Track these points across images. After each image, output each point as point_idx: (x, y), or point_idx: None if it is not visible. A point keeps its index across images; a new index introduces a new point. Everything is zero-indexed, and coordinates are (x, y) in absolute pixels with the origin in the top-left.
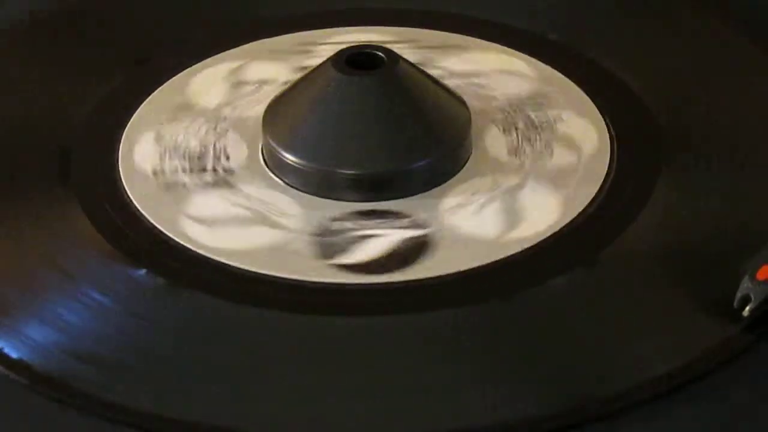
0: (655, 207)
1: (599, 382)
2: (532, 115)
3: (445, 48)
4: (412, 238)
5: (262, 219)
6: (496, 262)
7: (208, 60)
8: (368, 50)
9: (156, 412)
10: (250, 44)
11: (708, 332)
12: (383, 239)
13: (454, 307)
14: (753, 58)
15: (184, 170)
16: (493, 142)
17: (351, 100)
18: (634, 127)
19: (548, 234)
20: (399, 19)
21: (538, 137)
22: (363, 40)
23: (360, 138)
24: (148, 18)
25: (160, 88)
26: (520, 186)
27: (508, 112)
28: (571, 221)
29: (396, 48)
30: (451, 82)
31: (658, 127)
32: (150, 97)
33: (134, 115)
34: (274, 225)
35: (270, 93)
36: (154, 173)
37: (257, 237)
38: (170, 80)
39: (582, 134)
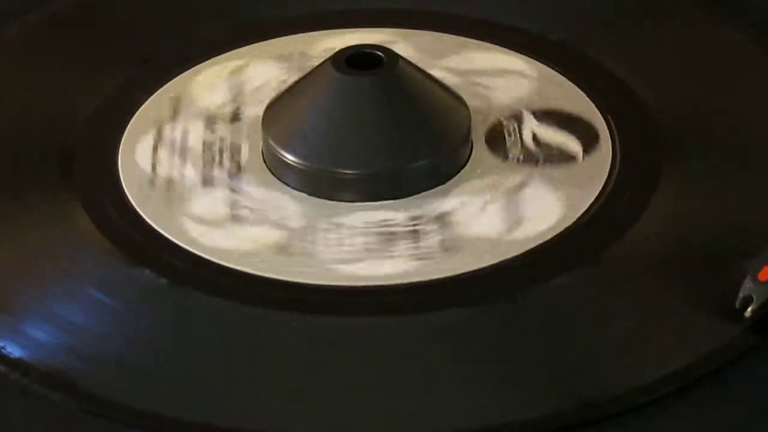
0: (656, 207)
1: (600, 382)
2: (532, 115)
3: (442, 47)
4: (415, 238)
5: (263, 219)
6: (498, 263)
7: (208, 61)
8: (368, 50)
9: (157, 412)
10: (250, 46)
11: (710, 333)
12: (387, 240)
13: (454, 308)
14: (753, 57)
15: (184, 171)
16: (493, 141)
17: (351, 100)
18: (635, 128)
19: (549, 235)
20: (396, 19)
21: (537, 137)
22: (361, 40)
23: (360, 138)
24: (149, 18)
25: (162, 88)
26: (520, 186)
27: (509, 112)
28: (572, 222)
29: (394, 48)
30: (448, 82)
31: (659, 127)
32: (151, 97)
33: (135, 115)
34: (275, 225)
35: (269, 94)
36: (155, 173)
37: (260, 237)
38: (172, 80)
39: (583, 135)
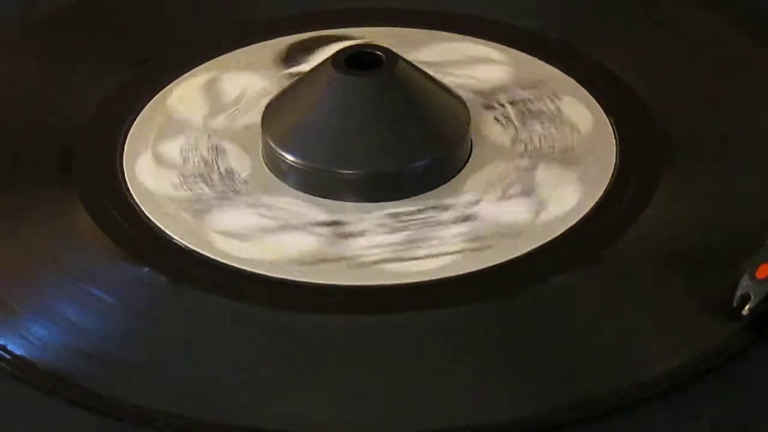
0: (655, 207)
1: (599, 381)
2: (528, 115)
3: (416, 42)
4: (440, 234)
5: (284, 226)
6: (498, 262)
7: (196, 68)
8: (368, 50)
9: (159, 409)
10: (224, 56)
11: (708, 332)
12: (415, 238)
13: (454, 307)
14: (753, 57)
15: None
16: (492, 135)
17: (351, 100)
18: (635, 127)
19: (548, 235)
20: (370, 18)
21: (535, 135)
22: (330, 42)
23: (359, 137)
24: (148, 19)
25: (162, 90)
26: (529, 173)
27: (498, 103)
28: (572, 222)
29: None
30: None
31: (659, 127)
32: (154, 97)
33: (135, 116)
34: (301, 230)
35: (252, 102)
36: (157, 174)
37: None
38: (170, 85)
39: (583, 134)
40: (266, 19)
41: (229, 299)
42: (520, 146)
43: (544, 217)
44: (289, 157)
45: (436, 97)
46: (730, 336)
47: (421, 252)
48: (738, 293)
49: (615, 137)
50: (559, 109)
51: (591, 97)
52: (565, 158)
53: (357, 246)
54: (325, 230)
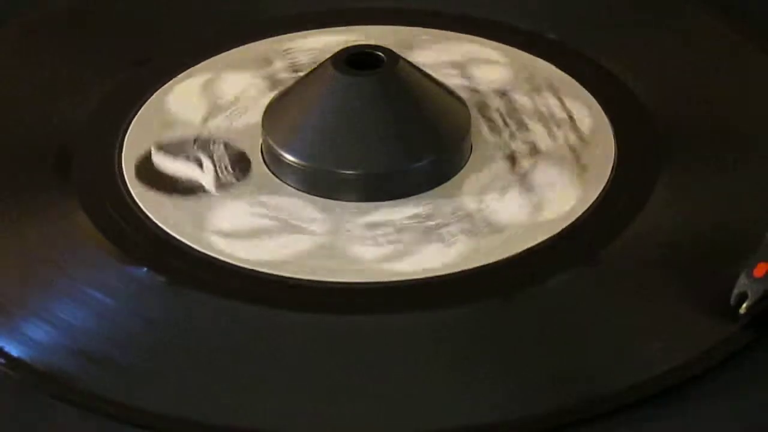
0: (654, 207)
1: (598, 381)
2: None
3: (411, 43)
4: (441, 233)
5: (284, 226)
6: (497, 261)
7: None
8: (368, 50)
9: (157, 411)
10: (221, 55)
11: (707, 331)
12: (417, 236)
13: (453, 307)
14: (753, 58)
15: (192, 178)
16: (491, 135)
17: (351, 99)
18: (634, 127)
19: (547, 235)
20: (360, 18)
21: (534, 135)
22: (324, 43)
23: (360, 138)
24: (148, 19)
25: (162, 89)
26: (528, 172)
27: (497, 103)
28: (571, 221)
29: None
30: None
31: (658, 126)
32: (153, 97)
33: (133, 116)
34: (300, 231)
35: (250, 102)
36: (159, 178)
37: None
38: (169, 83)
39: (582, 134)
40: (265, 19)
41: (228, 299)
42: (518, 146)
43: (543, 216)
44: (289, 157)
45: (437, 97)
46: (729, 336)
47: (419, 252)
48: (735, 291)
49: (614, 137)
50: (557, 109)
51: (591, 98)
52: (564, 158)
53: (357, 245)
54: (324, 230)
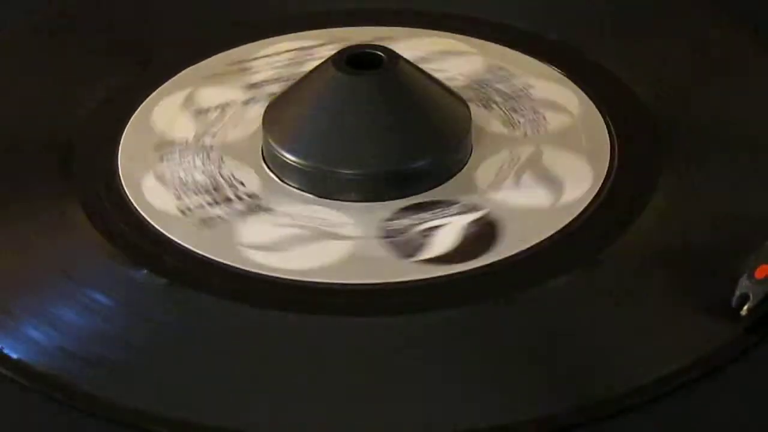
0: (655, 207)
1: (599, 382)
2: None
3: (380, 41)
4: (475, 223)
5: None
6: (497, 262)
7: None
8: (368, 50)
9: (158, 413)
10: (186, 70)
11: (709, 333)
12: (450, 228)
13: (454, 307)
14: (754, 57)
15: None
16: (488, 129)
17: (351, 99)
18: (634, 128)
19: (548, 234)
20: (320, 22)
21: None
22: (295, 47)
23: (360, 137)
24: (148, 19)
25: (160, 87)
26: (522, 184)
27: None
28: (572, 222)
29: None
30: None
31: (658, 127)
32: (153, 94)
33: (133, 117)
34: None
35: (235, 115)
36: (156, 172)
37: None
38: (169, 82)
39: (582, 133)
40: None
41: (229, 301)
42: (518, 146)
43: (542, 218)
44: (290, 157)
45: (437, 97)
46: (731, 337)
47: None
48: (737, 293)
49: (614, 137)
50: (558, 108)
51: (591, 99)
52: (563, 159)
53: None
54: (312, 224)
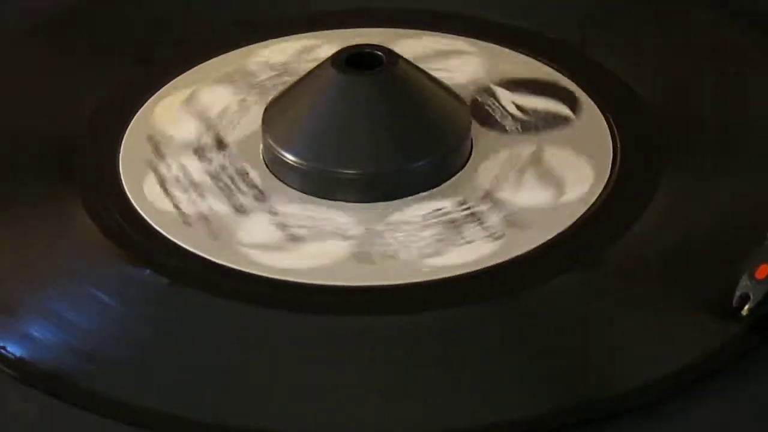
0: (656, 207)
1: (600, 382)
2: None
3: (390, 38)
4: (475, 223)
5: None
6: (497, 262)
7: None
8: (368, 50)
9: (158, 411)
10: (188, 71)
11: (709, 333)
12: (449, 228)
13: (454, 307)
14: (754, 57)
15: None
16: (484, 120)
17: (351, 100)
18: (635, 128)
19: (549, 234)
20: (320, 22)
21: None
22: (296, 47)
23: (360, 137)
24: (148, 19)
25: (160, 89)
26: (522, 185)
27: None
28: (572, 222)
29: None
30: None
31: (659, 127)
32: (154, 94)
33: (134, 117)
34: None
35: (237, 115)
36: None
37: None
38: (170, 83)
39: (583, 133)
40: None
41: (229, 300)
42: (519, 147)
43: (543, 218)
44: (289, 157)
45: (437, 97)
46: (731, 338)
47: (474, 237)
48: (737, 293)
49: (615, 137)
50: (557, 109)
51: (591, 98)
52: (564, 159)
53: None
54: (311, 224)
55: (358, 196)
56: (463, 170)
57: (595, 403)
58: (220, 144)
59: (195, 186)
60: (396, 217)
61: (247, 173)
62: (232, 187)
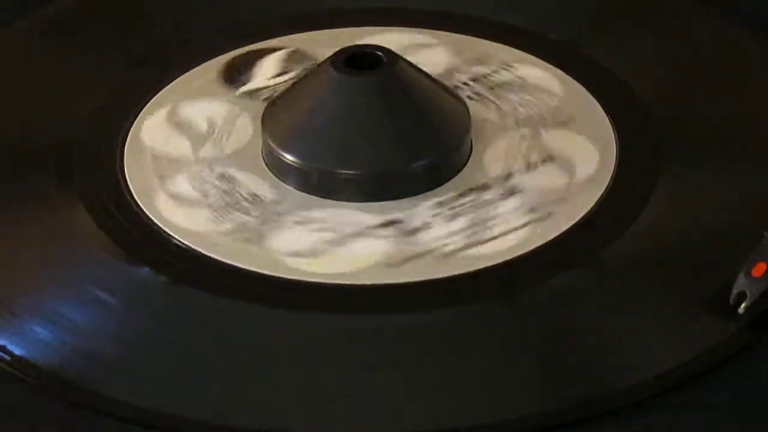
0: (655, 207)
1: (598, 380)
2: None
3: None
4: (475, 222)
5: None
6: (497, 262)
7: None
8: (368, 50)
9: (159, 410)
10: (190, 72)
11: (707, 331)
12: (449, 228)
13: (454, 307)
14: (754, 57)
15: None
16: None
17: (351, 100)
18: (634, 128)
19: (548, 236)
20: (320, 22)
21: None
22: (295, 47)
23: (359, 138)
24: (149, 18)
25: (165, 88)
26: (522, 185)
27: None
28: (572, 223)
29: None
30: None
31: (658, 127)
32: (155, 95)
33: (134, 118)
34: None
35: (226, 127)
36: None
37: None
38: (172, 83)
39: (583, 134)
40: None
41: (230, 299)
42: (519, 146)
43: (543, 217)
44: (289, 157)
45: (437, 97)
46: (729, 336)
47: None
48: (734, 291)
49: (615, 138)
50: (558, 109)
51: (592, 98)
52: (564, 159)
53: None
54: (311, 224)
55: (357, 196)
56: (462, 171)
57: (593, 401)
58: (220, 143)
59: (194, 183)
60: (393, 217)
61: (246, 172)
62: (231, 183)
